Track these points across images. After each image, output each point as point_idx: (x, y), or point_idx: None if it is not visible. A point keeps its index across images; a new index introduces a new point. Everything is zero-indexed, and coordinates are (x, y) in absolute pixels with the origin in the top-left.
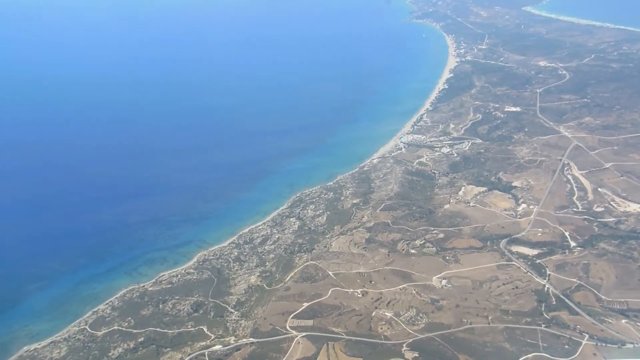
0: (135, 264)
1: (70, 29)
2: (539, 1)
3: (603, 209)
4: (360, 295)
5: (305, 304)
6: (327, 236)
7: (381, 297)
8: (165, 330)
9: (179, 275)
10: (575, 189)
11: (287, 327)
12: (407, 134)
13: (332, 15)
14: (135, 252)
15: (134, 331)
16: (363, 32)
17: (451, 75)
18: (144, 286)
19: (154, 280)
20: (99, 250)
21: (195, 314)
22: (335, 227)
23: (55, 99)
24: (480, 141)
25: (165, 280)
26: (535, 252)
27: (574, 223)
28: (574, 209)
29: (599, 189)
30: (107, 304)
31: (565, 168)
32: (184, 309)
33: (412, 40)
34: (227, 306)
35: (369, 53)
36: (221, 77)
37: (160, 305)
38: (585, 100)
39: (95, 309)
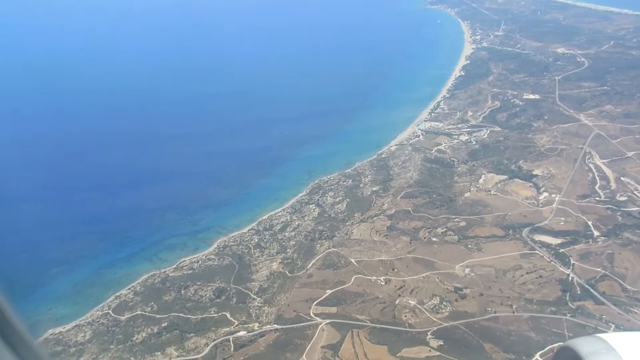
0: (155, 249)
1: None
2: None
3: (626, 198)
4: (383, 283)
5: (329, 291)
6: (347, 223)
7: (404, 285)
8: (189, 316)
9: (200, 261)
10: (597, 177)
11: (311, 314)
12: (425, 121)
13: (344, 0)
14: (155, 237)
15: (157, 316)
16: (376, 19)
17: (467, 62)
18: (165, 272)
19: (174, 265)
20: (119, 235)
21: (218, 300)
22: (355, 215)
23: (68, 87)
24: (499, 129)
25: (186, 266)
26: (558, 241)
27: (597, 212)
28: (597, 198)
29: (622, 178)
30: (129, 289)
31: (587, 156)
32: (206, 294)
33: (426, 27)
34: (250, 292)
35: (382, 39)
36: (233, 64)
37: (182, 291)
38: (605, 87)
39: (117, 294)
